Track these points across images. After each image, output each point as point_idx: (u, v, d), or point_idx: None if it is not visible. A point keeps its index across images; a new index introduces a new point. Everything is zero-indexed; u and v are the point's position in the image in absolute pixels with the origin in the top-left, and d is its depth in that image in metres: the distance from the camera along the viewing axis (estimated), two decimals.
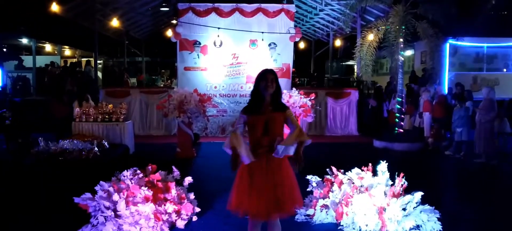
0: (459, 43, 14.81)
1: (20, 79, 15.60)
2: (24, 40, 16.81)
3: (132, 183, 4.78)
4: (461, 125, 9.35)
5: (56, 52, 19.58)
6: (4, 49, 16.68)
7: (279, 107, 3.45)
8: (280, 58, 12.32)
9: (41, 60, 17.28)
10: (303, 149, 3.41)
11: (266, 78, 3.41)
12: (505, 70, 15.38)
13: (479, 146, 8.76)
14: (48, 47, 19.37)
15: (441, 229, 4.63)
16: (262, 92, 3.42)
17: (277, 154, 3.29)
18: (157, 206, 4.75)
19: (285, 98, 9.16)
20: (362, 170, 5.15)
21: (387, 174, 5.01)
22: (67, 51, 21.39)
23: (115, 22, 14.93)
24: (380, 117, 12.40)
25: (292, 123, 3.44)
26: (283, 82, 12.20)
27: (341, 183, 5.16)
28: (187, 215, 5.00)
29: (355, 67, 18.77)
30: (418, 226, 4.66)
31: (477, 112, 8.76)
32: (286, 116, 3.44)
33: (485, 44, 15.14)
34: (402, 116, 11.00)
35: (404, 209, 4.70)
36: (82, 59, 21.07)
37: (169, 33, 13.04)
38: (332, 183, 5.28)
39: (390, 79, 13.95)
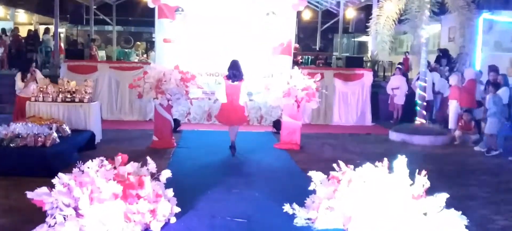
0: (495, 17, 14.79)
1: None
2: None
3: (97, 176, 4.74)
4: (494, 115, 9.36)
5: (8, 17, 19.35)
6: None
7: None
8: (279, 31, 12.20)
9: None
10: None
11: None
12: None
13: None
14: None
15: None
16: None
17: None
18: (127, 204, 4.71)
19: (285, 79, 9.17)
20: (376, 166, 5.13)
21: (406, 172, 4.98)
22: (22, 16, 21.13)
23: None
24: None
25: None
26: (284, 59, 12.09)
27: (350, 181, 5.13)
28: (163, 216, 4.97)
29: (370, 44, 18.72)
30: None
31: None
32: None
33: None
34: (425, 103, 11.00)
35: (425, 214, 4.70)
36: (40, 26, 20.83)
37: None
38: (339, 181, 5.26)
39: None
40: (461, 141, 10.31)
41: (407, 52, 18.02)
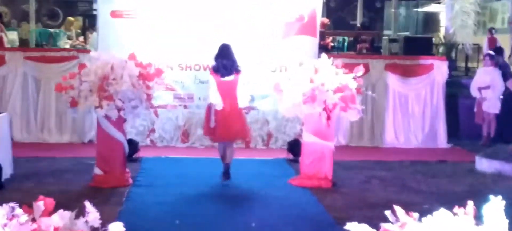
0: None
1: None
2: None
3: None
4: None
5: None
6: None
7: None
8: (295, 0, 12.33)
9: None
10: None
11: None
12: None
13: None
14: None
15: None
16: None
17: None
18: None
19: (307, 75, 9.10)
20: (455, 214, 5.04)
21: (504, 222, 4.90)
22: None
23: None
24: None
25: None
26: (304, 42, 12.26)
27: None
28: None
29: (443, 16, 18.70)
30: None
31: None
32: None
33: None
34: None
35: None
36: None
37: None
38: None
39: None
40: None
41: (493, 28, 17.78)
